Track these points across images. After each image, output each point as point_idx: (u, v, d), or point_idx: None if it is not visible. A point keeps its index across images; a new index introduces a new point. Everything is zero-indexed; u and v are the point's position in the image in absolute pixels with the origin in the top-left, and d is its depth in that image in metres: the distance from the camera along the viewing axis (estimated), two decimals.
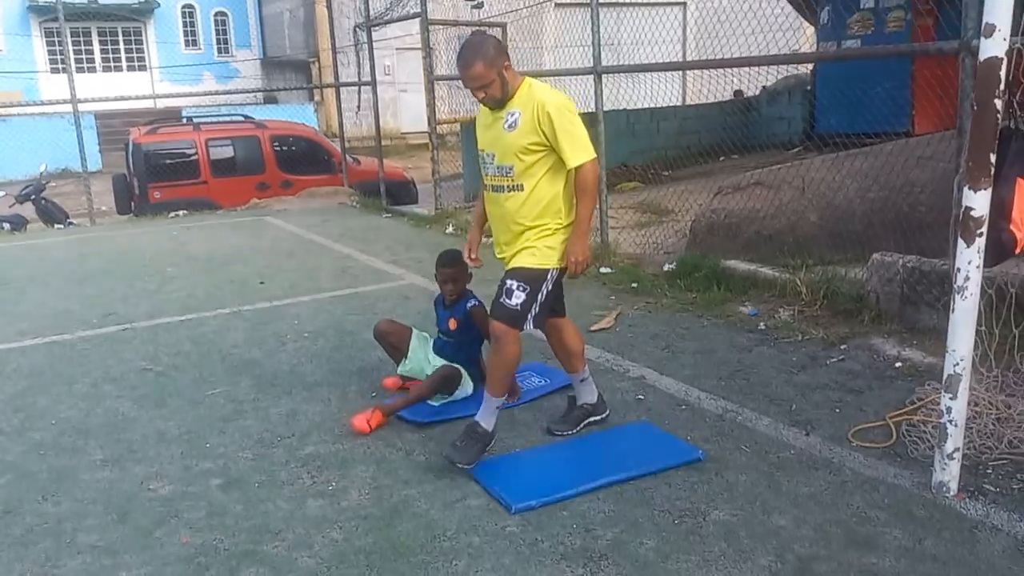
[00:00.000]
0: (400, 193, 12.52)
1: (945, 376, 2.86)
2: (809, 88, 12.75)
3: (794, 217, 6.12)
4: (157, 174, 12.28)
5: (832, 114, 11.14)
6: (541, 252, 3.31)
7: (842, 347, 4.53)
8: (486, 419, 3.33)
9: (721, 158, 11.26)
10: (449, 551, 2.76)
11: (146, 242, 9.19)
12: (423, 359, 4.13)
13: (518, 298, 3.24)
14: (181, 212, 11.52)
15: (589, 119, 7.74)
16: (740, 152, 11.54)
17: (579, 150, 3.23)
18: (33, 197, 12.80)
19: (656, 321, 5.26)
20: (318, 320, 5.65)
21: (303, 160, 13.24)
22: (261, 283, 6.85)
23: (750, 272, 5.63)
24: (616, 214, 8.43)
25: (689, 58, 20.32)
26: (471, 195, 11.13)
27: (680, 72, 18.10)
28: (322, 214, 10.72)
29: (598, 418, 3.71)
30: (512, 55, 10.49)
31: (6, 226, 12.09)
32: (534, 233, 3.31)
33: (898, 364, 4.22)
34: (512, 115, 3.28)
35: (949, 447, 2.90)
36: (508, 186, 3.32)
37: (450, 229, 8.99)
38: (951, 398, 2.86)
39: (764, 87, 13.94)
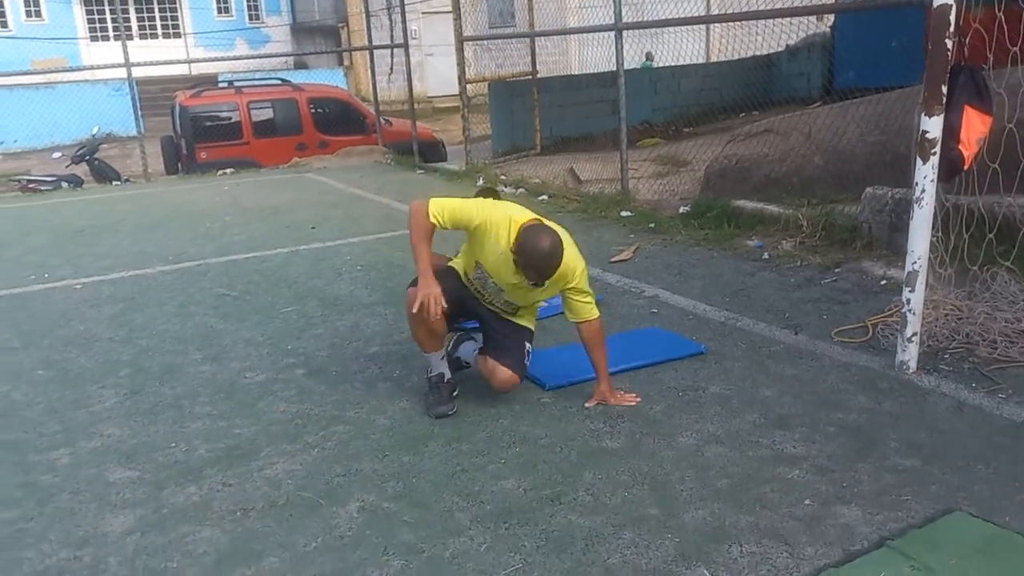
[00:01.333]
0: (430, 153, 13.15)
1: (906, 272, 3.46)
2: (829, 45, 13.11)
3: (800, 161, 6.67)
4: (203, 135, 12.99)
5: (850, 69, 11.51)
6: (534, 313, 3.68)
7: (836, 270, 5.11)
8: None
9: (741, 114, 11.72)
10: (496, 414, 3.42)
11: (200, 196, 9.90)
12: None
13: (527, 355, 3.52)
14: (228, 170, 12.22)
15: (610, 77, 8.30)
16: (760, 108, 11.98)
17: (594, 305, 3.46)
18: (88, 158, 13.59)
19: (670, 253, 5.87)
20: (368, 257, 6.32)
21: (338, 121, 13.88)
22: (312, 228, 7.53)
23: (757, 210, 6.21)
24: (636, 166, 8.99)
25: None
26: (499, 152, 11.74)
27: (704, 29, 18.42)
28: (359, 171, 11.37)
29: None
30: (536, 16, 10.94)
31: (64, 185, 12.88)
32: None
33: (883, 282, 4.81)
34: None
35: (908, 331, 3.50)
36: (506, 311, 3.56)
37: (480, 182, 9.60)
38: (910, 291, 3.46)
39: (787, 45, 14.31)
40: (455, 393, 3.52)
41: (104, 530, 2.73)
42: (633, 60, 10.75)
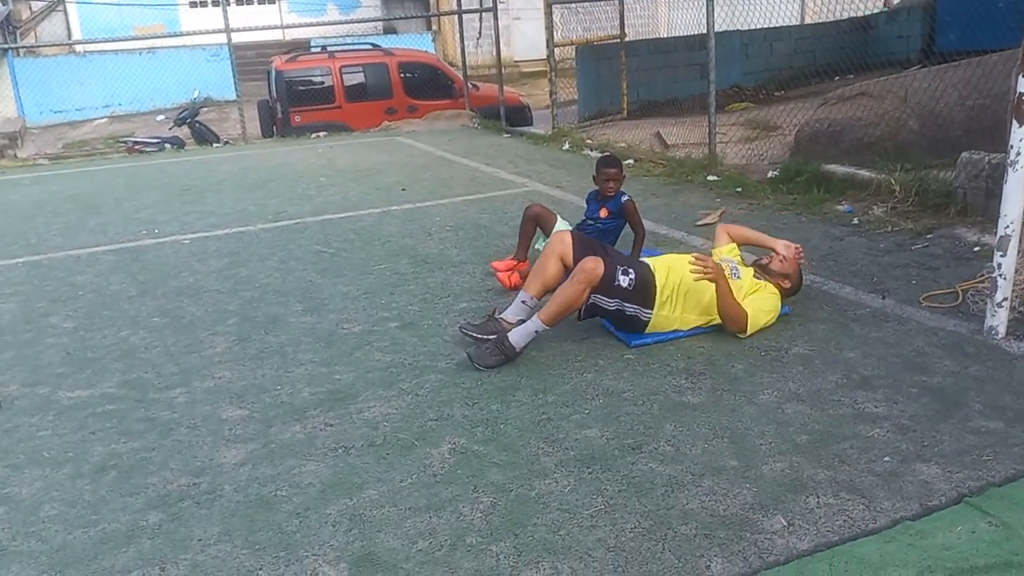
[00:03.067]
0: (516, 117, 13.25)
1: (997, 236, 3.42)
2: (931, 5, 12.60)
3: (895, 125, 6.52)
4: (297, 99, 13.39)
5: (953, 30, 11.06)
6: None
7: (927, 236, 5.04)
8: (519, 338, 3.61)
9: (836, 78, 11.42)
10: (580, 368, 3.55)
11: (296, 158, 10.26)
12: None
13: (627, 279, 3.75)
14: (321, 133, 12.59)
15: (698, 40, 8.17)
16: (856, 71, 11.64)
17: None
18: (189, 120, 14.19)
19: (757, 218, 5.86)
20: (456, 218, 6.50)
21: (427, 86, 14.09)
22: (403, 190, 7.75)
23: (848, 175, 6.12)
24: (724, 131, 8.91)
25: None
26: (585, 116, 11.74)
27: None
28: (447, 134, 11.57)
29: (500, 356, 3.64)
30: None
31: (167, 146, 13.50)
32: None
33: (976, 248, 4.72)
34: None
35: (999, 296, 3.47)
36: None
37: (566, 146, 9.67)
38: (1002, 255, 3.42)
39: (886, 6, 13.79)
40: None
41: (219, 461, 2.99)
42: (723, 23, 10.56)
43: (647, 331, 3.77)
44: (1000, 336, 3.51)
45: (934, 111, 6.45)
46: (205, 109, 17.35)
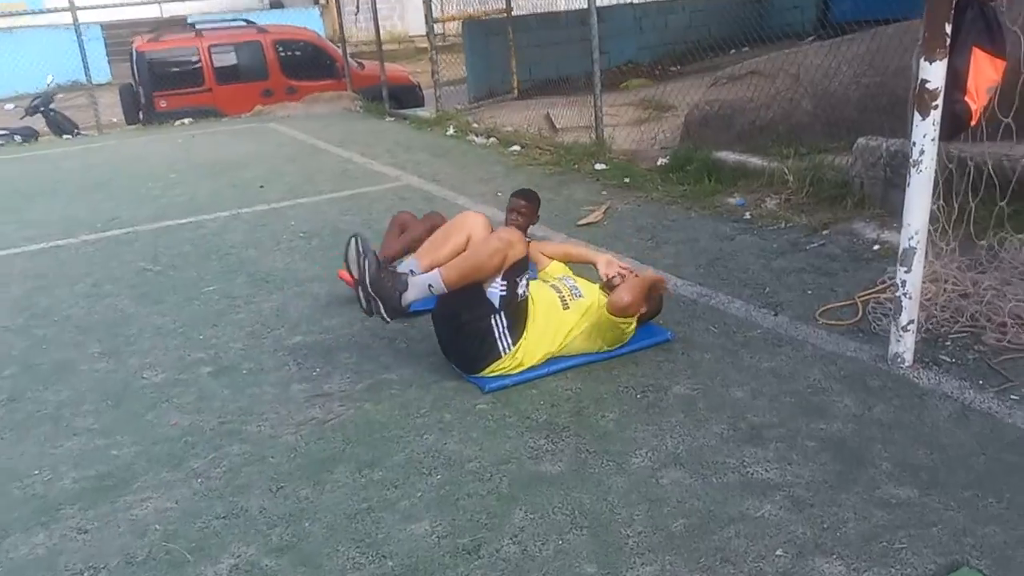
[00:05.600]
0: (406, 97, 12.45)
1: (900, 249, 2.92)
2: None
3: (788, 106, 6.06)
4: (162, 83, 12.28)
5: (847, 0, 10.79)
6: None
7: (823, 232, 4.57)
8: (411, 289, 3.10)
9: (732, 51, 11.04)
10: (421, 427, 2.91)
11: (152, 150, 9.28)
12: None
13: (523, 288, 3.24)
14: (187, 120, 11.55)
15: (579, 15, 7.57)
16: (751, 44, 11.29)
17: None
18: (42, 109, 12.85)
19: (644, 214, 5.31)
20: (313, 221, 5.75)
21: (307, 65, 13.13)
22: (261, 187, 6.95)
23: (740, 163, 5.63)
24: (616, 111, 8.38)
25: None
26: (475, 97, 11.05)
27: None
28: (325, 119, 10.72)
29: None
30: None
31: (17, 138, 12.19)
32: None
33: (876, 247, 4.27)
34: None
35: (904, 319, 2.98)
36: None
37: (451, 131, 8.98)
38: (906, 271, 2.92)
39: None
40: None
41: None
42: None
43: (499, 370, 3.15)
44: (907, 364, 3.03)
45: (828, 90, 6.01)
46: (70, 96, 15.92)
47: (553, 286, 3.38)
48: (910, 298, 2.94)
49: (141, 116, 12.59)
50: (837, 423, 2.74)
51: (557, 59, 11.61)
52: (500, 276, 3.10)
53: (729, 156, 5.75)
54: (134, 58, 12.46)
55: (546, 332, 3.20)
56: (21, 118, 13.15)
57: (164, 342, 3.82)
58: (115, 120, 13.41)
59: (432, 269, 3.12)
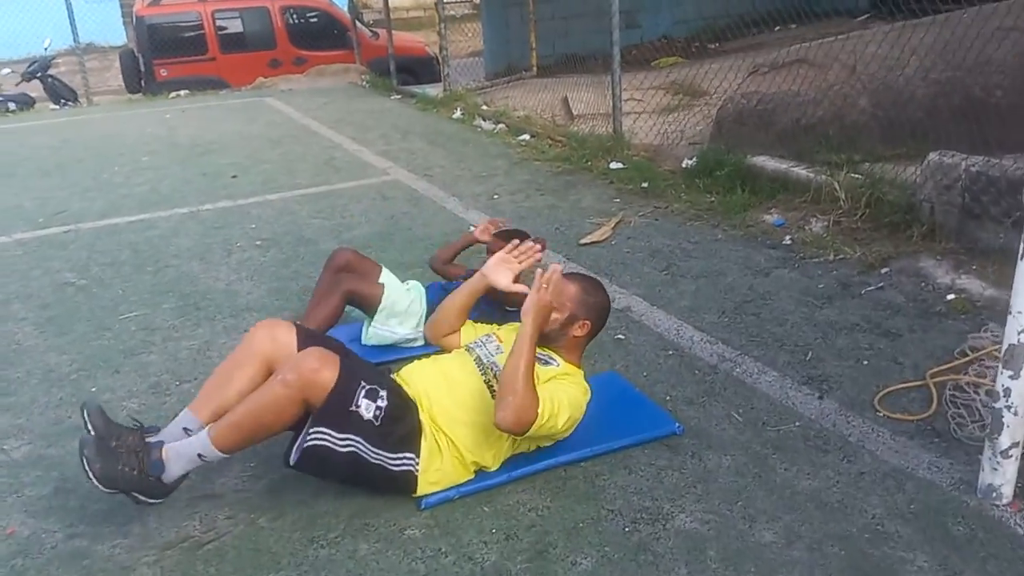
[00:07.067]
0: (421, 70, 11.60)
1: (1005, 346, 2.05)
2: None
3: (841, 102, 5.12)
4: (163, 50, 11.56)
5: None
6: None
7: (883, 271, 3.69)
8: (175, 463, 2.22)
9: (777, 27, 10.01)
10: (324, 563, 2.12)
11: (134, 126, 8.55)
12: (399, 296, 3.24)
13: (373, 405, 2.25)
14: (182, 92, 10.80)
15: None
16: (799, 20, 10.24)
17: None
18: (39, 74, 12.18)
19: (661, 232, 4.45)
20: (277, 224, 4.97)
21: (318, 34, 12.35)
22: (234, 176, 6.19)
23: (780, 172, 4.73)
24: (641, 95, 7.46)
25: None
26: (492, 73, 10.18)
27: None
28: (327, 95, 9.92)
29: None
30: None
31: (11, 106, 11.55)
32: None
33: (950, 296, 3.38)
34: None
35: (1004, 441, 2.12)
36: None
37: (457, 113, 8.13)
38: (1011, 376, 2.06)
39: None
40: None
41: None
42: None
43: (436, 480, 2.34)
44: (1004, 501, 2.17)
45: (890, 85, 5.06)
46: (87, 58, 15.24)
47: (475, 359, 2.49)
48: (1015, 414, 2.08)
49: (143, 85, 11.89)
50: None
51: (584, 33, 10.62)
52: (317, 423, 2.18)
53: (767, 162, 4.85)
54: (134, 23, 11.74)
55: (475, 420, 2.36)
56: (17, 84, 12.48)
57: (48, 394, 3.06)
58: (119, 86, 12.75)
59: (215, 421, 2.25)
